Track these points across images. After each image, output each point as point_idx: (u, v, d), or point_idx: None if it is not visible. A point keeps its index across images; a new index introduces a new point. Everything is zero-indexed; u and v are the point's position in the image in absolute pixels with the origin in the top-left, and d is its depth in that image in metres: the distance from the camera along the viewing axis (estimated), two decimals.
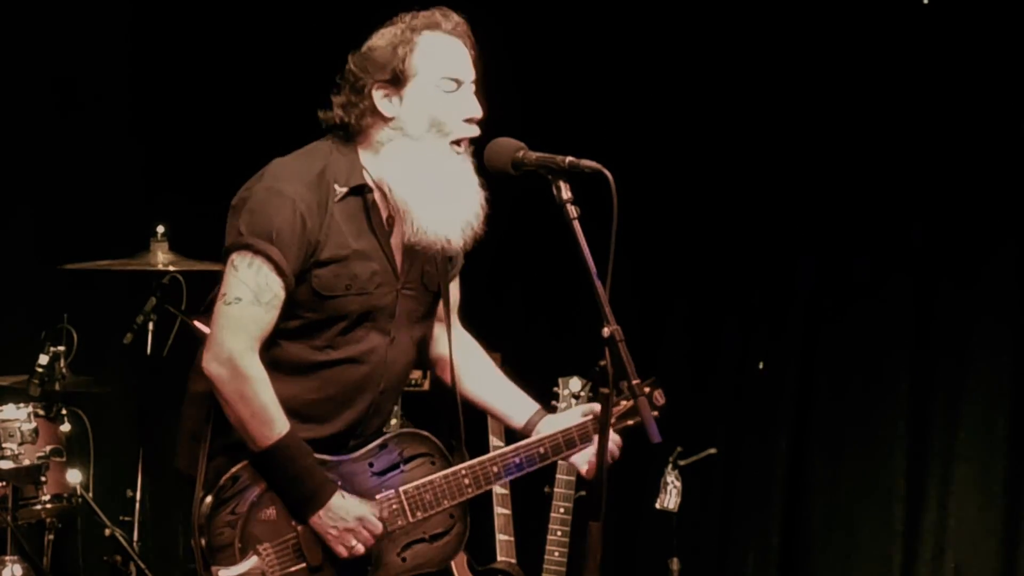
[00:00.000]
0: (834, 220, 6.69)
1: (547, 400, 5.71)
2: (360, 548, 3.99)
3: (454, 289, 4.32)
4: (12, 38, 6.70)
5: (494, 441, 5.83)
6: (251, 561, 3.93)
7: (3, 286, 6.70)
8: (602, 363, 3.51)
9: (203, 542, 3.94)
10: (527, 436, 4.25)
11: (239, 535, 3.94)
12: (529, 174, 3.79)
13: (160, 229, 6.20)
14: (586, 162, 3.67)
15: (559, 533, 5.70)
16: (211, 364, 3.92)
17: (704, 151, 6.86)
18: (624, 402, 4.17)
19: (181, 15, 6.96)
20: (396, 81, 4.00)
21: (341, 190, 4.00)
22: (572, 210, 3.63)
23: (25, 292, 6.70)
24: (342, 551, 3.98)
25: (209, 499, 3.95)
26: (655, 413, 4.24)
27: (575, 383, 5.73)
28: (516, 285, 7.11)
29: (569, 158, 3.68)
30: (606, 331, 3.50)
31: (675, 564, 5.95)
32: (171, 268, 6.15)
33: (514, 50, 6.87)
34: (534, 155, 3.78)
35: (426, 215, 4.01)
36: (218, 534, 3.94)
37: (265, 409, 3.91)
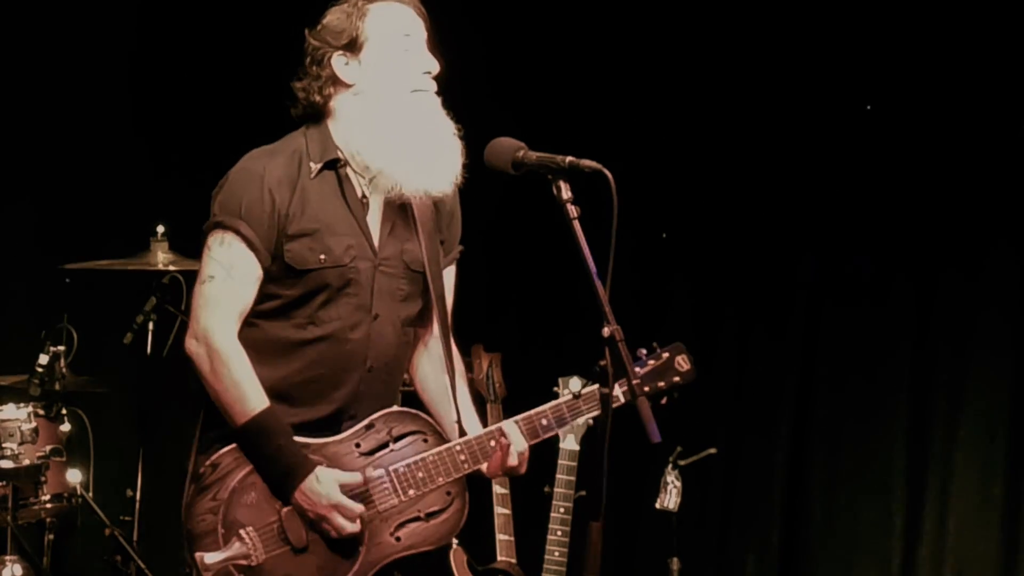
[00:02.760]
0: (835, 217, 6.69)
1: (547, 400, 5.71)
2: (333, 534, 3.98)
3: (448, 278, 4.27)
4: (13, 37, 6.72)
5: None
6: (235, 546, 3.95)
7: (3, 286, 6.73)
8: (602, 363, 3.51)
9: (186, 529, 3.97)
10: None
11: (221, 520, 3.95)
12: (529, 174, 3.79)
13: (160, 229, 6.23)
14: (586, 162, 3.67)
15: (559, 533, 5.71)
16: (190, 343, 3.99)
17: (704, 150, 6.86)
18: (652, 361, 4.21)
19: (183, 14, 6.98)
20: (352, 46, 4.07)
21: (315, 166, 4.05)
22: (572, 210, 3.63)
23: (25, 292, 6.74)
24: (321, 531, 3.98)
25: (191, 487, 3.99)
26: (677, 380, 4.26)
27: (575, 383, 5.71)
28: (516, 285, 7.12)
29: (569, 158, 3.68)
30: (606, 331, 3.51)
31: (675, 564, 5.96)
32: (171, 268, 6.16)
33: (514, 49, 6.88)
34: (534, 155, 3.78)
35: (398, 169, 4.03)
36: (200, 520, 3.96)
37: (237, 385, 3.94)
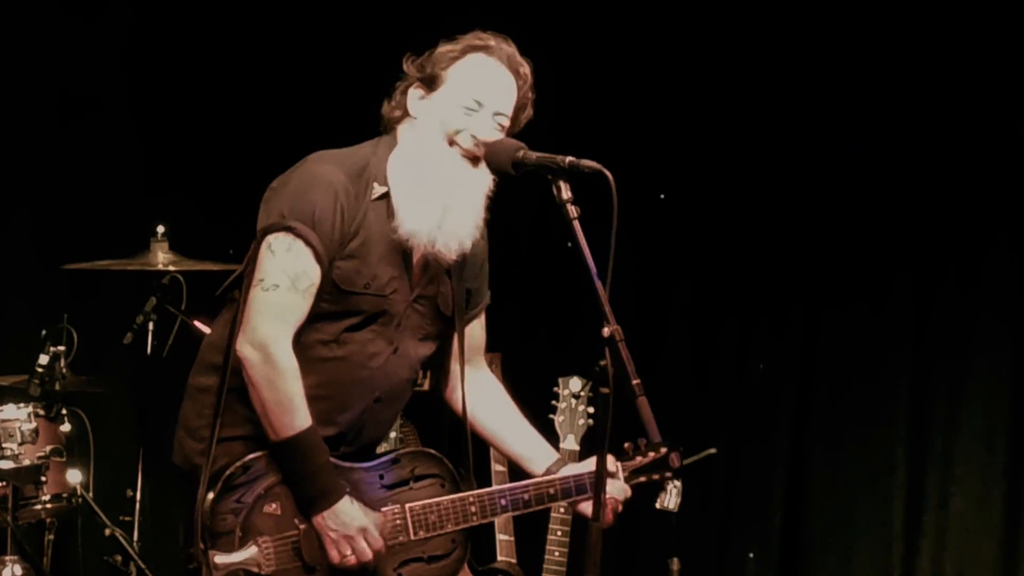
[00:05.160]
0: (834, 219, 6.70)
1: (548, 400, 5.73)
2: (352, 559, 4.01)
3: (478, 328, 4.36)
4: (13, 39, 6.72)
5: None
6: (249, 551, 3.97)
7: (4, 286, 6.73)
8: (602, 363, 3.52)
9: (204, 526, 3.98)
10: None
11: (241, 523, 3.97)
12: (529, 174, 3.83)
13: (160, 229, 6.22)
14: (586, 162, 3.69)
15: (559, 533, 5.71)
16: (244, 347, 3.95)
17: (704, 151, 6.87)
18: (640, 458, 4.26)
19: (181, 16, 6.97)
20: (429, 83, 4.07)
21: (380, 189, 4.05)
22: (572, 210, 3.65)
23: (25, 292, 6.74)
24: (335, 556, 4.00)
25: (217, 484, 3.98)
26: (668, 474, 4.30)
27: (575, 383, 5.74)
28: (517, 285, 7.09)
29: (569, 158, 3.70)
30: (606, 331, 3.52)
31: (675, 564, 5.92)
32: (171, 268, 6.17)
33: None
34: (534, 155, 3.82)
35: (405, 211, 4.03)
36: (221, 520, 3.97)
37: (291, 400, 3.94)
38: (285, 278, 3.95)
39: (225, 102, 6.95)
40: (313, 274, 3.96)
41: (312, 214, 3.95)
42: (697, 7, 6.83)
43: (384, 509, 4.08)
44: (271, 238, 3.98)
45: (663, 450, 4.26)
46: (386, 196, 4.04)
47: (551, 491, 4.21)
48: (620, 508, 4.24)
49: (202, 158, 6.86)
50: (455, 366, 4.36)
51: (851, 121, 6.65)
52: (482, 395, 4.39)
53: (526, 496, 4.18)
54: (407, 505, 4.10)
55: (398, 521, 4.08)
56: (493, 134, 4.05)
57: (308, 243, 3.95)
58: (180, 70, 6.99)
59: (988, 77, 6.41)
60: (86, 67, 6.87)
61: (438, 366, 4.36)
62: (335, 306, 4.04)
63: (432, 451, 4.24)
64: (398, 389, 4.19)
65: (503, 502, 4.16)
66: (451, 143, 4.04)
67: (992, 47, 6.40)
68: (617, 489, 4.21)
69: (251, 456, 4.01)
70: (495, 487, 4.20)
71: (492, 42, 4.11)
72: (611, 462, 4.20)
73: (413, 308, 4.12)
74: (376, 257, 4.04)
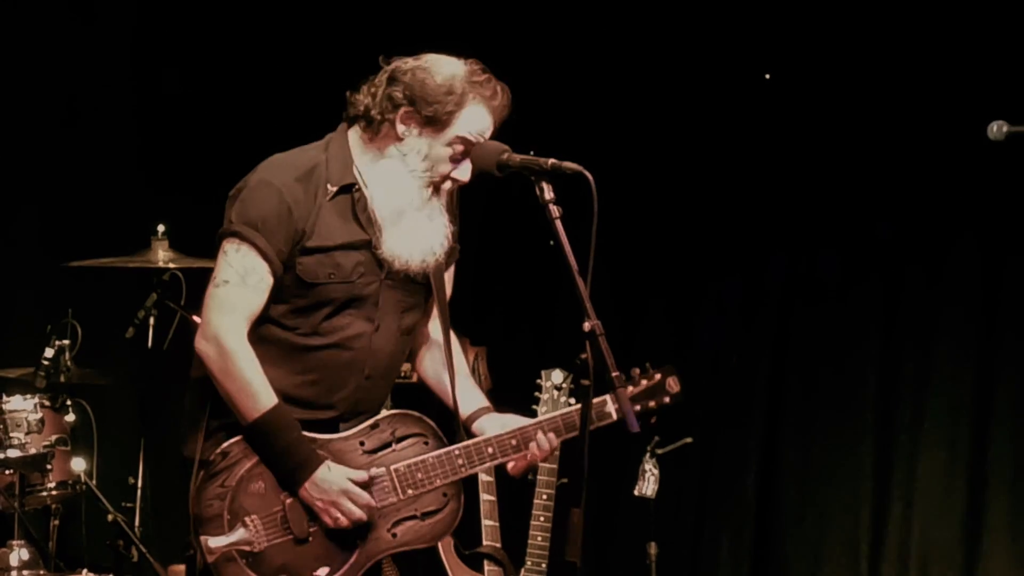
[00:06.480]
0: (804, 218, 6.82)
1: (531, 392, 5.80)
2: (344, 520, 4.13)
3: (448, 276, 4.40)
4: (16, 41, 6.80)
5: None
6: (239, 532, 4.10)
7: (10, 283, 6.81)
8: (583, 356, 3.62)
9: (193, 513, 4.11)
10: (467, 425, 4.37)
11: (228, 507, 4.10)
12: (513, 175, 3.93)
13: (161, 228, 6.31)
14: (568, 164, 3.79)
15: (542, 519, 5.74)
16: (200, 342, 4.11)
17: (678, 153, 6.97)
18: (645, 381, 4.30)
19: (183, 17, 7.05)
20: (428, 121, 4.11)
21: (332, 189, 4.15)
22: (554, 210, 3.75)
23: (31, 288, 6.81)
24: (328, 521, 4.12)
25: (200, 473, 4.12)
26: (667, 400, 4.34)
27: (557, 375, 5.74)
28: (501, 282, 7.20)
29: (552, 160, 3.81)
30: (587, 325, 3.62)
31: (653, 548, 6.00)
32: (171, 265, 6.25)
33: (499, 50, 6.98)
34: (518, 157, 3.93)
35: (391, 239, 4.15)
36: (207, 505, 4.11)
37: (250, 384, 4.07)
38: (235, 274, 4.09)
39: (224, 104, 7.05)
40: (261, 270, 4.09)
41: (258, 220, 4.08)
42: (671, 9, 6.93)
43: (369, 473, 4.17)
44: (224, 243, 4.14)
45: (657, 376, 4.35)
46: (341, 193, 4.15)
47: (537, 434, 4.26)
48: (537, 461, 4.32)
49: (201, 160, 6.92)
50: (433, 327, 4.45)
51: (821, 123, 6.74)
52: (430, 342, 4.49)
53: (514, 441, 4.24)
54: (392, 467, 4.18)
55: (385, 483, 4.18)
56: (468, 173, 4.15)
57: (254, 245, 4.08)
58: (182, 72, 7.08)
59: (955, 78, 6.50)
60: (89, 69, 6.94)
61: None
62: (306, 300, 4.15)
63: (412, 412, 4.30)
64: (385, 364, 4.29)
65: (490, 450, 4.22)
66: (431, 179, 4.14)
67: (961, 51, 6.49)
68: (543, 442, 4.28)
69: (228, 442, 4.13)
70: (481, 437, 4.25)
71: (493, 90, 4.16)
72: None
73: (386, 285, 4.21)
74: (339, 248, 4.14)
